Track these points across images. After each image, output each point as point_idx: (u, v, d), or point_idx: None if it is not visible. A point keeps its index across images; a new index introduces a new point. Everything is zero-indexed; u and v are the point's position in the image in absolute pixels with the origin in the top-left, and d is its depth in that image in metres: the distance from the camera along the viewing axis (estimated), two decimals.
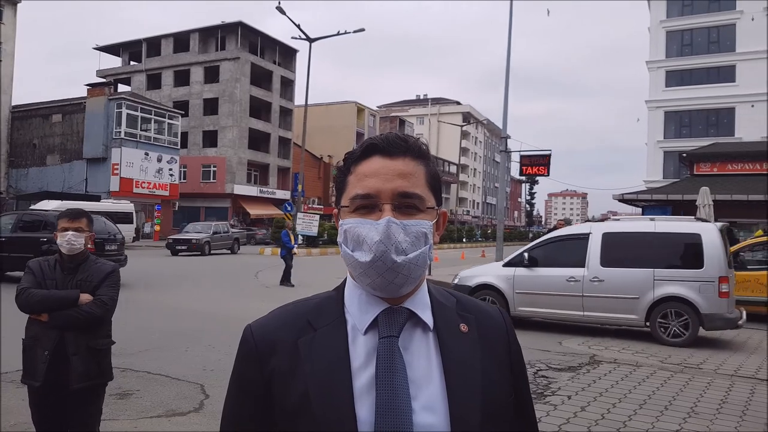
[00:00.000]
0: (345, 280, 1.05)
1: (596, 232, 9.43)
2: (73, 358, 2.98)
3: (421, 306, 1.01)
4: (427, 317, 1.01)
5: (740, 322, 8.68)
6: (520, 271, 9.80)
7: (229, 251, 29.92)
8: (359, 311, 1.00)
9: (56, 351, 2.96)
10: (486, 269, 10.76)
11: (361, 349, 0.97)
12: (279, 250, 16.67)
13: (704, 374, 6.92)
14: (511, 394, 1.04)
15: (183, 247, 27.03)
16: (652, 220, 9.72)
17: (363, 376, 0.94)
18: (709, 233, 8.69)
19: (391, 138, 1.01)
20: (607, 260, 9.10)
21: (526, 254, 9.90)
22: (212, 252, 28.20)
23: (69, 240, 3.04)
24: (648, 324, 8.84)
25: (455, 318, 1.04)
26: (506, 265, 10.12)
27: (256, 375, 1.00)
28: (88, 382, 3.05)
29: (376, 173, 0.98)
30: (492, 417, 0.96)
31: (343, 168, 1.04)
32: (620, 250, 9.13)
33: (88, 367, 3.04)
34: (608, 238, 9.26)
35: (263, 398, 0.99)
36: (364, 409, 0.92)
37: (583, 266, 9.21)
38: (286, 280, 15.38)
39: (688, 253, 8.80)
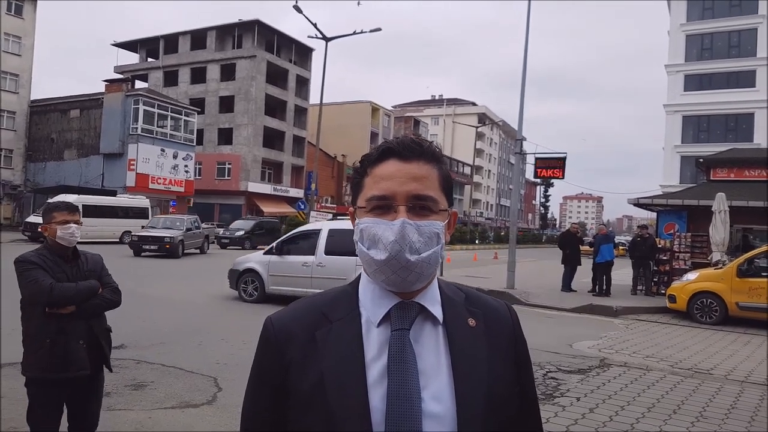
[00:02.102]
0: (359, 275, 1.11)
1: (324, 229, 11.81)
2: (103, 343, 3.17)
3: (432, 301, 1.06)
4: (437, 311, 1.06)
5: None
6: (274, 258, 11.99)
7: (198, 251, 25.50)
8: (373, 305, 1.05)
9: (90, 339, 3.10)
10: (252, 257, 12.85)
11: (374, 340, 1.02)
12: None
13: (714, 379, 6.90)
14: (515, 386, 1.08)
15: (151, 247, 22.10)
16: None
17: (376, 366, 1.00)
18: None
19: (406, 142, 1.06)
20: (328, 250, 11.38)
21: (274, 245, 12.25)
22: (185, 252, 23.65)
23: (72, 233, 3.08)
24: None
25: (464, 313, 1.08)
26: (265, 253, 12.34)
27: (275, 363, 1.05)
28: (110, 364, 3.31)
29: (391, 176, 1.03)
30: (496, 407, 1.01)
31: (360, 169, 1.10)
32: (337, 242, 11.33)
33: (110, 350, 3.28)
34: (331, 234, 11.58)
35: (281, 385, 1.04)
36: (377, 398, 0.97)
37: (314, 254, 11.46)
38: None
39: None
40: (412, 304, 1.04)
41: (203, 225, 27.81)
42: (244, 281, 12.20)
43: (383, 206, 1.02)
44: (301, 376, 1.01)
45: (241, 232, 30.77)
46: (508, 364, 1.08)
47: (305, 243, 11.87)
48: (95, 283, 3.14)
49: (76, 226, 3.10)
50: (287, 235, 12.75)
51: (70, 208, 3.14)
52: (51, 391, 3.02)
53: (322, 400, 0.98)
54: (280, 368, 1.04)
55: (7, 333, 7.61)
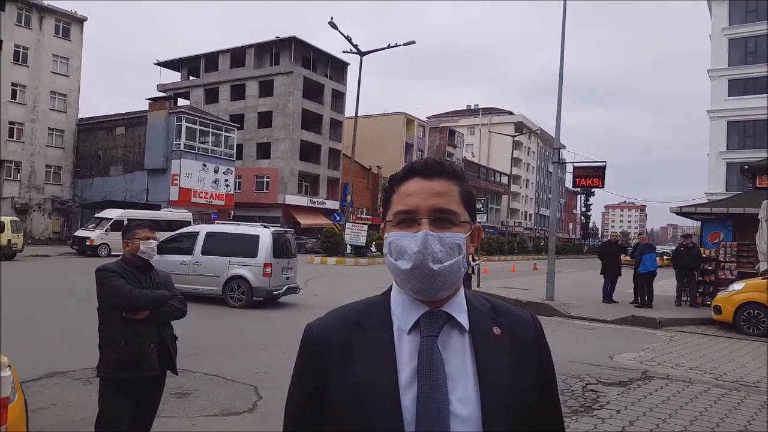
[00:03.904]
0: (391, 286, 1.19)
1: (202, 231, 13.28)
2: (170, 349, 3.49)
3: (458, 310, 1.14)
4: (464, 320, 1.13)
5: (276, 293, 12.58)
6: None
7: None
8: (403, 314, 1.13)
9: (160, 343, 3.41)
10: None
11: (405, 347, 1.10)
12: None
13: (760, 392, 6.70)
14: (538, 392, 1.14)
15: None
16: (237, 225, 13.89)
17: (407, 370, 1.07)
18: (264, 235, 12.64)
19: (428, 161, 1.16)
20: (205, 250, 12.79)
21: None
22: None
23: (153, 248, 3.49)
24: (222, 294, 12.57)
25: (489, 322, 1.16)
26: None
27: (314, 367, 1.14)
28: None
29: (415, 192, 1.12)
30: (519, 413, 1.08)
31: (388, 188, 1.19)
32: (213, 243, 12.83)
33: (175, 356, 3.56)
34: (208, 236, 12.99)
35: (320, 387, 1.12)
36: (408, 399, 1.04)
37: (191, 254, 12.79)
38: None
39: (251, 247, 12.45)
40: (440, 313, 1.11)
41: None
42: None
43: (408, 220, 1.11)
44: (339, 379, 1.09)
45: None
46: (531, 371, 1.14)
47: (184, 243, 13.11)
48: (166, 293, 3.49)
49: (155, 242, 3.50)
50: (169, 235, 13.98)
51: (151, 226, 3.56)
52: (123, 389, 3.28)
53: (358, 401, 1.06)
54: (319, 372, 1.12)
55: (54, 343, 7.96)
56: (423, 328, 1.10)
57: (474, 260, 15.26)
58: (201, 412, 5.25)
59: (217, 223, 15.23)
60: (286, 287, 12.97)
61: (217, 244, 12.79)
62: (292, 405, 1.19)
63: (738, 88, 37.99)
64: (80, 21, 43.00)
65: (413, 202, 1.11)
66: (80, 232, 28.93)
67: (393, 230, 1.13)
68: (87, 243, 27.22)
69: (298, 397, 1.17)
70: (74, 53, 42.72)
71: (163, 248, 12.81)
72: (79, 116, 43.82)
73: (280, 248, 12.98)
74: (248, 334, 9.35)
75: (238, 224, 14.31)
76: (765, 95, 36.45)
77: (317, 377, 1.12)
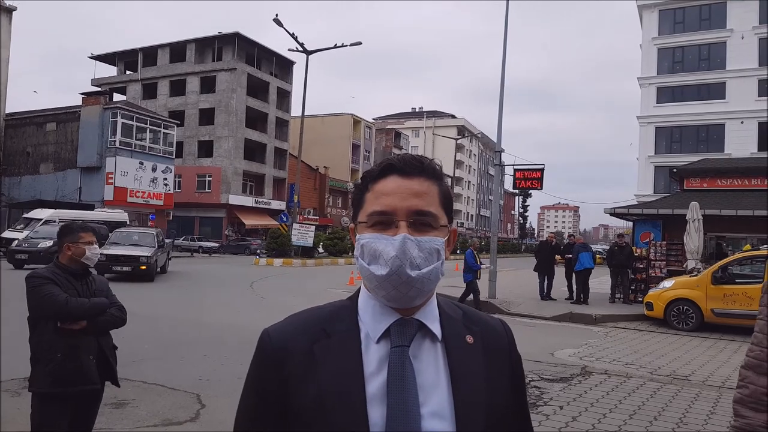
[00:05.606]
0: (359, 289, 1.11)
1: None
2: (110, 359, 3.28)
3: (431, 318, 1.06)
4: (436, 328, 1.06)
5: None
6: None
7: (159, 270, 20.37)
8: (373, 320, 1.05)
9: (99, 354, 3.20)
10: None
11: (373, 356, 1.02)
12: (463, 274, 13.95)
13: (693, 386, 7.04)
14: (511, 401, 1.09)
15: (124, 269, 17.58)
16: None
17: (375, 382, 0.99)
18: None
19: (407, 159, 1.07)
20: None
21: None
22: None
23: (96, 253, 3.26)
24: None
25: (462, 329, 1.09)
26: None
27: (272, 378, 1.03)
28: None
29: (392, 192, 1.03)
30: (495, 422, 1.02)
31: (361, 185, 1.09)
32: None
33: (116, 366, 3.36)
34: None
35: (278, 400, 1.02)
36: (377, 413, 0.96)
37: None
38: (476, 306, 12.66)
39: None
40: (412, 321, 1.04)
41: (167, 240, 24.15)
42: None
43: (384, 221, 1.02)
44: (301, 390, 1.00)
45: (48, 244, 20.18)
46: (504, 380, 1.09)
47: None
48: (105, 301, 3.25)
49: (97, 246, 3.30)
50: None
51: (93, 230, 3.33)
52: (60, 405, 3.05)
53: (322, 415, 0.97)
54: (278, 382, 1.02)
55: None
56: (393, 337, 1.03)
57: (482, 264, 14.43)
58: (140, 423, 4.99)
59: None
60: None
61: None
62: (245, 420, 1.08)
63: (666, 95, 39.94)
64: (9, 11, 40.52)
65: (390, 203, 1.02)
66: (7, 233, 27.31)
67: (366, 232, 1.04)
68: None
69: (253, 410, 1.06)
70: (2, 44, 40.25)
71: None
72: (7, 111, 41.35)
73: None
74: (188, 340, 9.01)
75: None
76: (691, 102, 38.54)
77: (276, 389, 1.02)
